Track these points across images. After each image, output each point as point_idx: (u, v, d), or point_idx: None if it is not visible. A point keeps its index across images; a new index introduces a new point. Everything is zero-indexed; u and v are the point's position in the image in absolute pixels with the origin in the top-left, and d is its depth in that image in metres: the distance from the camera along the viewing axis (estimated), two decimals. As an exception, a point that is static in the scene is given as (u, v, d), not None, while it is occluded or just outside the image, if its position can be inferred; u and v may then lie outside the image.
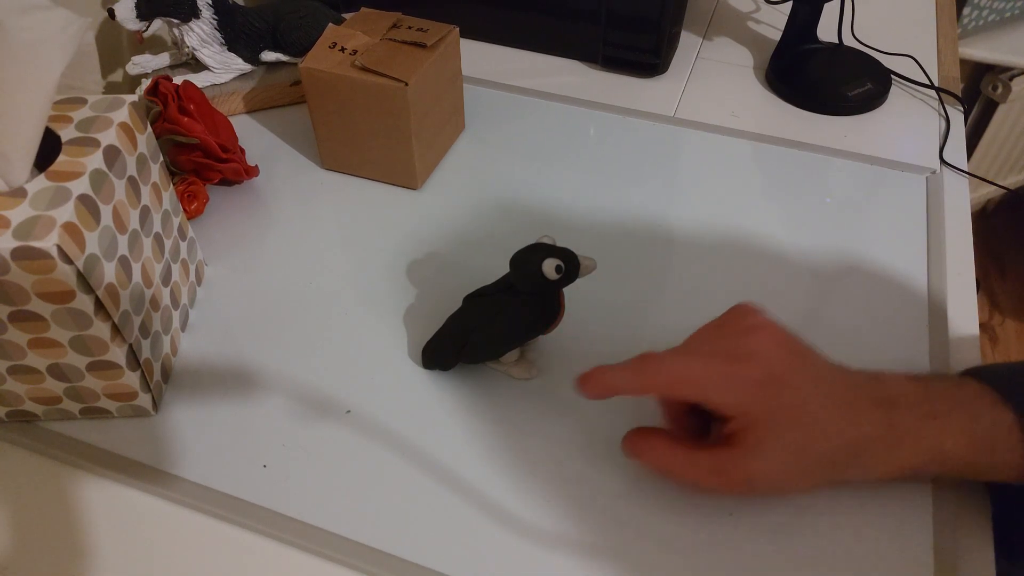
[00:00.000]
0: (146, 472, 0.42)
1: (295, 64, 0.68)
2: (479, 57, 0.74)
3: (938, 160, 0.63)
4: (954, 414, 0.37)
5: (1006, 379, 0.38)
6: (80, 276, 0.36)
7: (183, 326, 0.49)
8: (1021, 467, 0.36)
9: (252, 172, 0.59)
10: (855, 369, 0.39)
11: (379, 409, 0.45)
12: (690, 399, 0.38)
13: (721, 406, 0.37)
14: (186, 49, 0.64)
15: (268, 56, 0.67)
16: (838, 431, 0.37)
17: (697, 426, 0.42)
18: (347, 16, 0.64)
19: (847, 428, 0.37)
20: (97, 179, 0.38)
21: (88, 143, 0.39)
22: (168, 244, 0.46)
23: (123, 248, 0.40)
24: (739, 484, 0.38)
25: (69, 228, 0.35)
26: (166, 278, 0.46)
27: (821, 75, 0.70)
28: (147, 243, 0.43)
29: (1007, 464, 0.37)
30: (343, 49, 0.56)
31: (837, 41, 0.72)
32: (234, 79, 0.67)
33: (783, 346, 0.38)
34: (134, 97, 0.42)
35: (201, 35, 0.63)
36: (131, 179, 0.41)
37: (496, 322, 0.43)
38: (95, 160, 0.38)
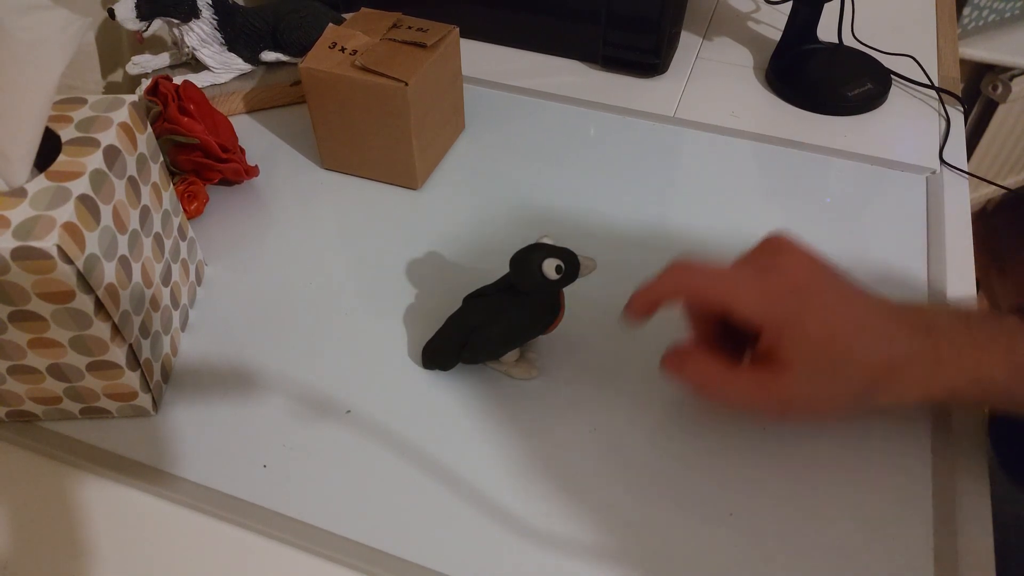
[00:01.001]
0: (146, 472, 0.42)
1: (295, 64, 0.68)
2: (479, 57, 0.74)
3: (938, 160, 0.63)
4: (993, 343, 0.37)
5: None
6: (80, 276, 0.36)
7: (183, 326, 0.49)
8: None
9: (252, 172, 0.59)
10: (895, 299, 0.39)
11: (379, 409, 0.45)
12: (718, 305, 0.38)
13: (749, 314, 0.37)
14: (186, 49, 0.64)
15: (268, 56, 0.67)
16: (875, 350, 0.37)
17: (729, 352, 0.41)
18: (347, 16, 0.64)
19: (885, 347, 0.37)
20: (97, 179, 0.38)
21: (88, 143, 0.39)
22: (168, 244, 0.46)
23: (123, 248, 0.40)
24: (776, 404, 0.39)
25: (69, 228, 0.35)
26: (166, 278, 0.46)
27: (821, 75, 0.70)
28: (147, 243, 0.43)
29: None
30: (343, 49, 0.56)
31: (837, 41, 0.72)
32: (234, 79, 0.67)
33: (811, 264, 0.39)
34: (134, 97, 0.42)
35: (201, 35, 0.63)
36: (131, 179, 0.41)
37: (496, 322, 0.43)
38: (95, 160, 0.38)
